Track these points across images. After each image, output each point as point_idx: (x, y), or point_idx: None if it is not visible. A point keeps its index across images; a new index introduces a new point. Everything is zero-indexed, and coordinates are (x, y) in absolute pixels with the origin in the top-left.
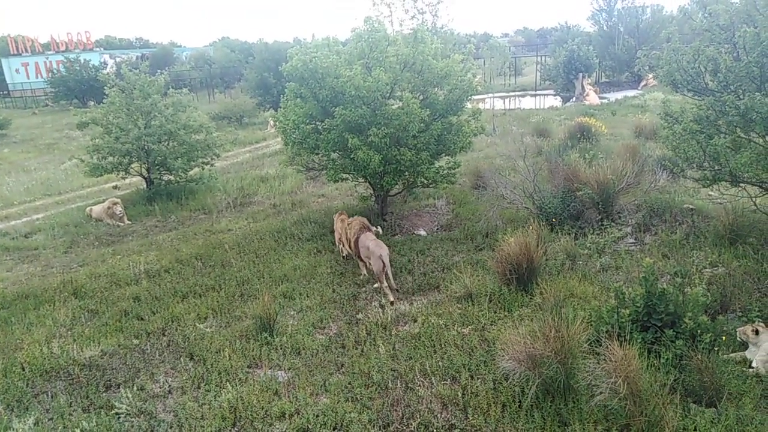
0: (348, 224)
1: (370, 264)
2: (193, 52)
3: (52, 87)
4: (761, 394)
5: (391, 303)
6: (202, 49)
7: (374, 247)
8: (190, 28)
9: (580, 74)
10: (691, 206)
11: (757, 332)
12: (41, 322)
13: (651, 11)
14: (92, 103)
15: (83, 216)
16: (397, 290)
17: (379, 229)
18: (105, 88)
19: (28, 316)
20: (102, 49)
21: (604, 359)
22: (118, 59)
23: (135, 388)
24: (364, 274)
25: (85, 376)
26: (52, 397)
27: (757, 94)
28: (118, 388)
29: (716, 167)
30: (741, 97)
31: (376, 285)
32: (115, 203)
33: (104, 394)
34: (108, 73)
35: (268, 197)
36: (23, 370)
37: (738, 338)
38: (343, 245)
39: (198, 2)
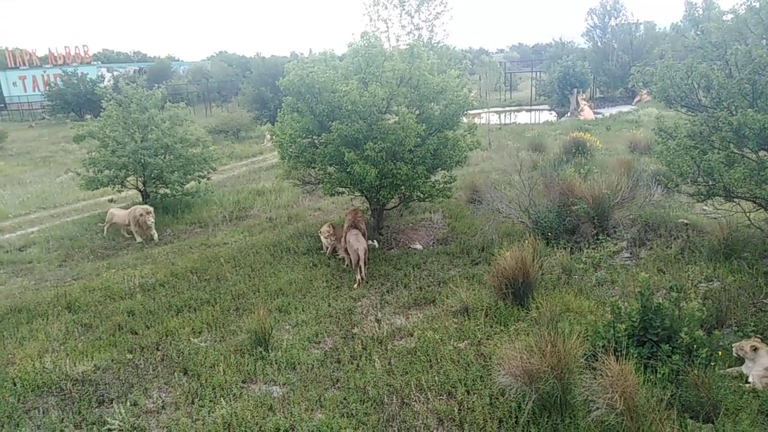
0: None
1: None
2: (191, 66)
3: (49, 100)
4: (758, 409)
5: (356, 286)
6: (199, 63)
7: (354, 242)
8: (188, 43)
9: (575, 90)
10: (685, 221)
11: (755, 349)
12: (34, 337)
13: (644, 28)
14: (89, 116)
15: (78, 229)
16: (366, 281)
17: (375, 243)
18: (102, 101)
19: (20, 330)
20: (99, 62)
21: (601, 374)
22: (115, 73)
23: (128, 403)
24: (347, 264)
25: (77, 391)
26: (43, 412)
27: (749, 110)
28: (111, 403)
29: (710, 182)
30: (734, 113)
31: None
32: (149, 212)
33: (97, 409)
34: (105, 87)
35: (265, 211)
36: (15, 385)
37: (734, 353)
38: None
39: (195, 17)
